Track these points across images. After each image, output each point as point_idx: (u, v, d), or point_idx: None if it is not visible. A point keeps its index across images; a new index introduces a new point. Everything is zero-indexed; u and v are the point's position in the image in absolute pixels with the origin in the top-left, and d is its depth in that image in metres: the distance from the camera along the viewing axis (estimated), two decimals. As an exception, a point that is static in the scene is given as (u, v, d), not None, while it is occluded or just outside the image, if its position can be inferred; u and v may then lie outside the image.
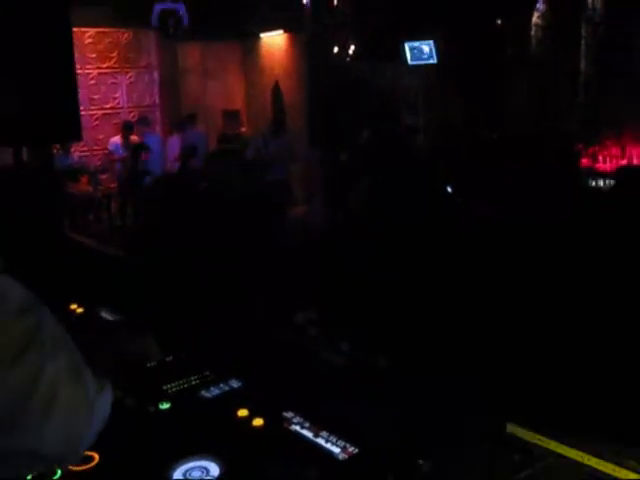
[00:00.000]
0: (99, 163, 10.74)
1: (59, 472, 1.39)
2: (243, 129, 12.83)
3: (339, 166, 9.00)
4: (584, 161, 8.98)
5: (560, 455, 1.39)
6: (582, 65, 9.70)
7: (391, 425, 1.56)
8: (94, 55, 11.05)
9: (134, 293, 2.50)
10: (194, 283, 2.73)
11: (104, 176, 10.39)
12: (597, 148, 9.63)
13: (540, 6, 9.91)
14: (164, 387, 1.75)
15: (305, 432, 1.55)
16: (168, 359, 1.94)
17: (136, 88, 11.65)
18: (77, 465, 1.41)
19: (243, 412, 1.61)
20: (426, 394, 1.69)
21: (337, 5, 10.55)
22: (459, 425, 1.55)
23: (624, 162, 9.10)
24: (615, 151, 9.65)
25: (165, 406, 1.65)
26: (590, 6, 9.16)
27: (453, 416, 1.57)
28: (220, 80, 12.46)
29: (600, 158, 9.53)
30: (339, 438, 1.51)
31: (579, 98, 9.87)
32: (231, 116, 12.49)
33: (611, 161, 9.48)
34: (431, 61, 11.37)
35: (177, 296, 2.43)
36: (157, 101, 11.88)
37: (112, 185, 10.07)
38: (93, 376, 0.98)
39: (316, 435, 1.53)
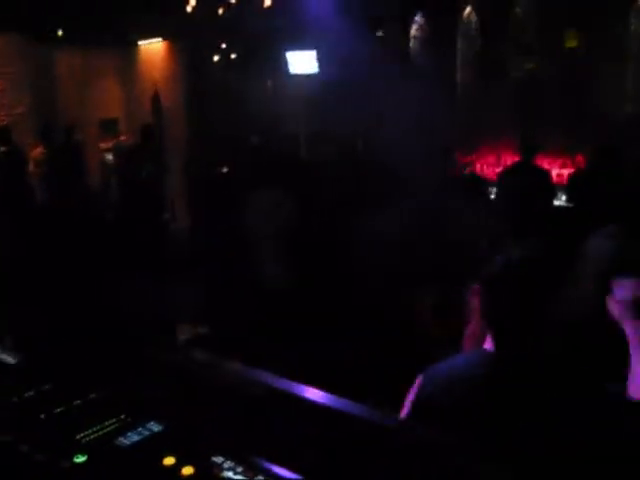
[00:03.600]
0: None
1: None
2: (123, 137, 12.45)
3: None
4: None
5: None
6: (459, 76, 10.03)
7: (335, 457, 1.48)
8: (-41, 62, 10.39)
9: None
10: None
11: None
12: (474, 157, 9.98)
13: (418, 18, 10.16)
14: (77, 436, 1.59)
15: (239, 478, 1.44)
16: (76, 403, 1.77)
17: (6, 95, 11.01)
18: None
19: (169, 460, 1.48)
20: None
21: (221, 14, 10.37)
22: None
23: (499, 170, 9.42)
24: (491, 159, 10.04)
25: (81, 459, 1.49)
26: (465, 20, 9.48)
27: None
28: (98, 88, 12.02)
29: (477, 166, 9.88)
30: (278, 483, 1.41)
31: (457, 108, 10.20)
32: (109, 125, 12.11)
33: (488, 169, 9.84)
34: (313, 71, 11.42)
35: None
36: (30, 109, 11.27)
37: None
38: None
39: (252, 481, 1.43)
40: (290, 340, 4.58)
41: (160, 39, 12.03)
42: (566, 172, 8.62)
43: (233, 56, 11.77)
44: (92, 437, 1.59)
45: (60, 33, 8.87)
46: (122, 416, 1.69)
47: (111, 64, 12.49)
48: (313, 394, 1.69)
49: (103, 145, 12.12)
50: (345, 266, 4.69)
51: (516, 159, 7.90)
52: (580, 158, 8.82)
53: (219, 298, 6.58)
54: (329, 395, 1.68)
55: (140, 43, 12.39)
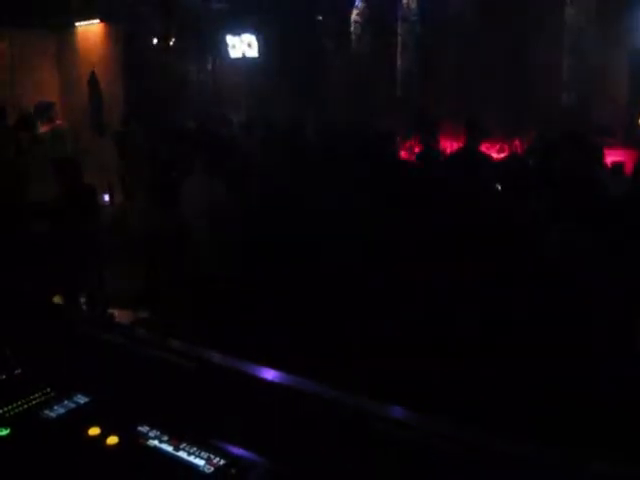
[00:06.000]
0: None
1: None
2: (59, 122, 12.15)
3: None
4: (402, 154, 9.29)
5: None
6: (399, 62, 10.11)
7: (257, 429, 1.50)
8: None
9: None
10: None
11: None
12: (414, 142, 10.05)
13: (358, 3, 10.19)
14: (0, 410, 1.58)
15: (164, 446, 1.46)
16: (1, 378, 1.76)
17: None
18: None
19: (94, 430, 1.48)
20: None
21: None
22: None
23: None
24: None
25: (4, 432, 1.48)
26: (405, 5, 9.54)
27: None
28: (32, 71, 11.70)
29: (417, 151, 9.95)
30: (202, 450, 1.43)
31: (397, 93, 10.28)
32: (45, 108, 11.80)
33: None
34: (252, 55, 11.36)
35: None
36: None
37: None
38: None
39: (177, 449, 1.45)
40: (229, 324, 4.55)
41: (97, 21, 11.79)
42: (502, 156, 8.76)
43: (172, 39, 11.61)
44: (16, 411, 1.59)
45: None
46: (48, 390, 1.68)
47: (48, 46, 12.19)
48: (240, 365, 1.71)
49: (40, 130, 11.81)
50: (280, 249, 4.68)
51: (456, 144, 8.00)
52: (517, 143, 8.99)
53: (158, 282, 6.51)
54: (256, 366, 1.70)
55: (77, 25, 12.12)
